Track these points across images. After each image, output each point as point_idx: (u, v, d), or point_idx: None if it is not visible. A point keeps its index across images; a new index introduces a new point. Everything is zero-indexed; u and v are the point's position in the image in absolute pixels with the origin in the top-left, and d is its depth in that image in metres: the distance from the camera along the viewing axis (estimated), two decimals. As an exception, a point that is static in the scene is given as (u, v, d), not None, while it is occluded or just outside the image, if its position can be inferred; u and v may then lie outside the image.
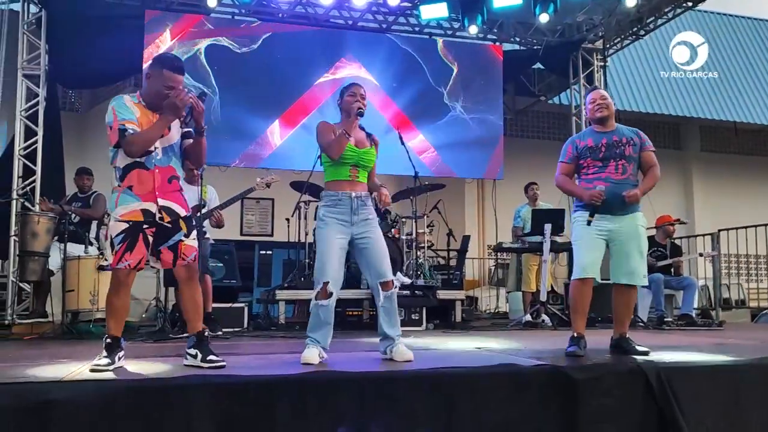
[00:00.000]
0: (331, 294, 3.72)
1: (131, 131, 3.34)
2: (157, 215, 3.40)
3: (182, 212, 3.50)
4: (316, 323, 3.75)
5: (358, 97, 3.90)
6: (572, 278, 4.19)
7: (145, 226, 3.38)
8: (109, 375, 3.09)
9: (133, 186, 3.39)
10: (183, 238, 3.46)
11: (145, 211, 3.39)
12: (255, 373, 3.18)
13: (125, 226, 3.35)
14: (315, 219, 7.13)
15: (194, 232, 3.56)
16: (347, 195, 3.83)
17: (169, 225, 3.44)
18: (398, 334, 3.85)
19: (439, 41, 9.58)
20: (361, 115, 3.84)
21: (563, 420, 3.18)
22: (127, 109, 3.40)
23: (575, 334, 4.04)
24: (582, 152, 4.21)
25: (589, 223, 4.06)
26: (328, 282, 3.72)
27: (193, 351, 3.46)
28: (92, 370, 3.14)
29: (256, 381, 2.97)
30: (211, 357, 3.39)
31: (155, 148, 3.42)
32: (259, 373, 3.16)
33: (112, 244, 3.37)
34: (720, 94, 14.36)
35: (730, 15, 15.85)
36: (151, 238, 3.41)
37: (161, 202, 3.42)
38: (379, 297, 3.85)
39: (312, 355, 3.62)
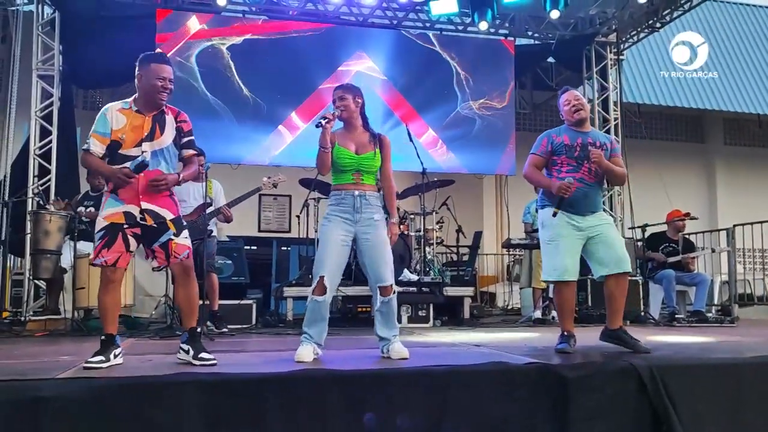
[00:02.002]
0: (326, 289, 3.73)
1: (86, 147, 3.52)
2: (139, 217, 3.48)
3: (169, 215, 3.56)
4: (312, 318, 3.78)
5: (337, 102, 3.89)
6: (554, 280, 4.16)
7: (125, 227, 3.46)
8: (101, 372, 3.13)
9: (119, 191, 3.47)
10: (173, 237, 3.52)
11: (127, 214, 3.47)
12: (246, 370, 3.21)
13: (105, 224, 3.45)
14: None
15: (185, 231, 3.61)
16: (350, 193, 3.84)
17: (155, 226, 3.50)
18: (395, 333, 3.86)
19: (433, 37, 9.48)
20: (319, 126, 3.74)
21: (554, 418, 3.15)
22: (105, 122, 3.51)
23: (565, 333, 4.12)
24: (557, 148, 4.15)
25: (554, 214, 4.04)
26: (323, 276, 3.72)
27: (185, 347, 3.54)
28: (85, 368, 3.20)
29: (244, 379, 2.99)
30: (203, 355, 3.44)
31: (143, 152, 3.48)
32: (250, 371, 3.18)
33: (94, 242, 3.49)
34: (743, 87, 14.07)
35: (739, 3, 15.54)
36: (132, 239, 3.49)
37: (144, 205, 3.48)
38: (376, 301, 3.86)
39: (306, 352, 3.65)
